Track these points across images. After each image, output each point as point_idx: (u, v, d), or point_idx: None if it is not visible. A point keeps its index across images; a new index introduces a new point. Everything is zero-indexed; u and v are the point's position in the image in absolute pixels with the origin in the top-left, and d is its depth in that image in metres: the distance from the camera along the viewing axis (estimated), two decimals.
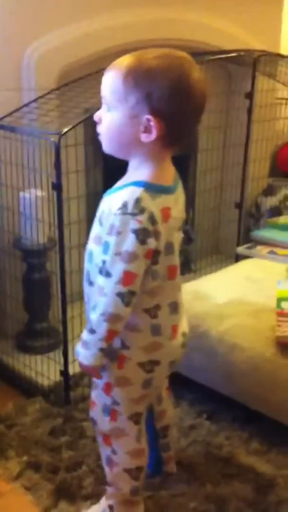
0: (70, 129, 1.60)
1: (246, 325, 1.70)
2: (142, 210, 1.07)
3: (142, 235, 1.08)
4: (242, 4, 2.47)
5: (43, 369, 1.82)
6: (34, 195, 1.80)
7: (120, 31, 2.04)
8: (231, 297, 1.85)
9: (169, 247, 1.17)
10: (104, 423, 1.28)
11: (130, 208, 1.07)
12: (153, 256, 1.12)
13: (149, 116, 1.07)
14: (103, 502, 1.37)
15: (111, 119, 1.11)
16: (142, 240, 1.08)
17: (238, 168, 2.56)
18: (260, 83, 2.48)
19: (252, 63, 2.36)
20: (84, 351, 1.16)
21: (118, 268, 1.09)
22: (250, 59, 2.35)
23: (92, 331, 1.14)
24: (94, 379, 1.26)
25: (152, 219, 1.09)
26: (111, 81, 1.10)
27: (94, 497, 1.42)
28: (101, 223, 1.15)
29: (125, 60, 1.09)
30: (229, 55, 2.28)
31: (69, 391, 1.77)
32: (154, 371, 1.23)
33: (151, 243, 1.09)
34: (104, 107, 1.13)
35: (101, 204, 1.17)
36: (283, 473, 1.51)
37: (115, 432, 1.27)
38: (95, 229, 1.18)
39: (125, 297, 1.10)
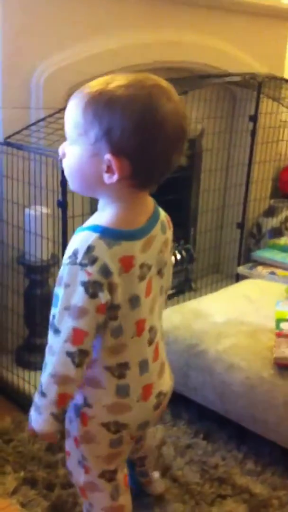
0: None
1: (244, 345, 1.72)
2: (93, 261, 0.96)
3: (92, 288, 0.96)
4: (247, 29, 2.51)
5: None
6: (39, 212, 1.82)
7: (127, 52, 2.08)
8: (230, 316, 1.87)
9: (134, 300, 1.03)
10: (78, 475, 1.19)
11: (80, 257, 0.96)
12: (109, 311, 1.01)
13: (109, 156, 0.94)
14: None
15: (73, 155, 0.99)
16: (92, 294, 0.96)
17: (240, 189, 2.59)
18: (264, 106, 2.51)
19: (256, 86, 2.40)
20: (35, 415, 1.06)
21: (66, 325, 0.98)
22: (255, 82, 2.38)
23: (43, 394, 1.04)
24: (66, 427, 1.17)
25: (105, 271, 0.97)
26: (71, 112, 0.98)
27: None
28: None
29: (87, 88, 0.96)
30: (234, 79, 2.31)
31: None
32: (120, 432, 1.12)
33: (103, 296, 0.97)
34: (68, 140, 1.01)
35: None
36: (278, 494, 1.52)
37: (89, 486, 1.18)
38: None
39: (75, 357, 0.99)
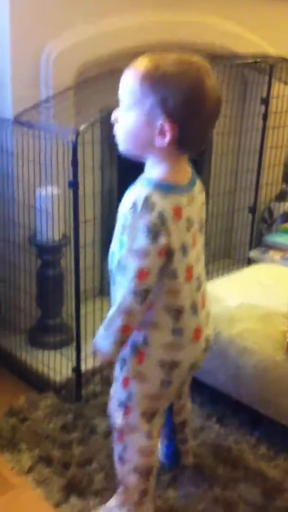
0: (87, 127, 1.61)
1: (257, 329, 1.70)
2: (151, 209, 1.10)
3: (152, 232, 1.10)
4: (259, 11, 2.47)
5: (55, 365, 1.82)
6: (50, 192, 1.80)
7: (138, 31, 2.05)
8: (243, 301, 1.85)
9: (184, 247, 1.17)
10: (118, 417, 1.29)
11: (139, 206, 1.10)
12: (167, 254, 1.14)
13: (163, 120, 1.09)
14: (115, 499, 1.37)
15: (127, 120, 1.14)
16: (153, 238, 1.10)
17: (252, 174, 2.57)
18: (276, 89, 2.48)
19: (268, 69, 2.36)
20: (101, 341, 1.19)
21: (131, 266, 1.11)
22: (266, 65, 2.35)
23: (109, 324, 1.17)
24: (115, 374, 1.28)
25: (161, 218, 1.10)
26: (128, 83, 1.12)
27: (104, 493, 1.43)
28: (118, 222, 1.18)
29: (143, 63, 1.11)
30: (245, 61, 2.28)
31: (80, 388, 1.77)
32: (173, 371, 1.23)
33: (163, 240, 1.11)
34: (121, 108, 1.16)
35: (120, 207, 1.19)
36: None
37: (126, 428, 1.28)
38: (116, 229, 1.20)
39: (139, 295, 1.12)
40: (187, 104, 1.09)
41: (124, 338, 1.18)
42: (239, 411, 1.73)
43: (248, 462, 1.56)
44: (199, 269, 1.25)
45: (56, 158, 1.75)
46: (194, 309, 1.23)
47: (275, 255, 2.41)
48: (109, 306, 1.23)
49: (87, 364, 1.81)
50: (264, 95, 2.43)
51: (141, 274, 1.11)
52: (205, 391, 1.80)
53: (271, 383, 1.60)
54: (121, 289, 1.14)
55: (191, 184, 1.20)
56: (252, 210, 2.56)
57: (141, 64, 1.11)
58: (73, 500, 1.42)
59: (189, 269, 1.20)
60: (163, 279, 1.16)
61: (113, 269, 1.21)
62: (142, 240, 1.10)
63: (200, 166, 2.56)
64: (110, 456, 1.40)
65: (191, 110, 1.09)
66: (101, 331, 1.19)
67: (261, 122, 2.47)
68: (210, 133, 1.18)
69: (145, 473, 1.30)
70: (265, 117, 2.45)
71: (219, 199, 2.61)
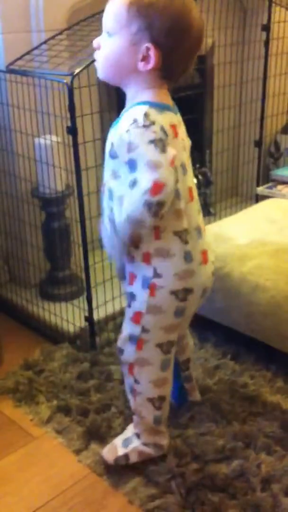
0: (83, 69, 1.55)
1: (269, 265, 1.69)
2: (153, 122, 1.09)
3: (160, 144, 1.09)
4: None
5: (68, 316, 1.84)
6: (49, 141, 1.76)
7: None
8: (253, 238, 1.83)
9: (183, 166, 1.19)
10: (129, 352, 1.30)
11: (141, 122, 1.09)
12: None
13: (149, 45, 1.09)
14: (130, 429, 1.41)
15: (111, 44, 1.13)
16: (162, 149, 1.09)
17: (256, 105, 2.49)
18: (277, 15, 2.38)
19: None
20: (110, 249, 1.21)
21: (146, 178, 1.08)
22: None
23: (117, 232, 1.16)
24: (126, 310, 1.29)
25: (163, 131, 1.10)
26: (115, 8, 1.12)
27: None
28: (113, 156, 1.15)
29: None
30: None
31: (94, 337, 1.79)
32: (187, 299, 1.24)
33: (171, 151, 1.10)
34: (104, 34, 1.15)
35: (109, 137, 1.18)
36: None
37: (139, 361, 1.30)
38: (109, 166, 1.18)
39: (153, 207, 1.08)
40: (173, 31, 1.09)
41: (133, 244, 1.18)
42: (254, 347, 1.74)
43: (265, 396, 1.58)
44: (194, 189, 1.25)
45: (53, 105, 1.70)
46: (199, 231, 1.25)
47: (284, 189, 2.36)
48: (104, 250, 1.23)
49: (100, 313, 1.83)
50: (265, 21, 2.32)
51: (156, 186, 1.07)
52: (218, 330, 1.81)
53: (285, 317, 1.60)
54: (130, 202, 1.10)
55: (175, 108, 1.21)
56: (258, 143, 2.49)
57: None
58: (94, 446, 1.45)
59: (190, 190, 1.22)
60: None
61: (114, 205, 1.17)
62: (152, 152, 1.08)
63: (202, 101, 2.49)
64: (127, 401, 1.42)
65: (176, 37, 1.10)
66: (108, 231, 1.18)
67: (263, 50, 2.37)
68: (191, 65, 1.17)
69: (158, 403, 1.33)
70: (267, 43, 2.35)
71: (223, 135, 2.54)
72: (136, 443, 1.38)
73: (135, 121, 1.09)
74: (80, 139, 1.59)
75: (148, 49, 1.10)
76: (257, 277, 1.67)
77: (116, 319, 1.87)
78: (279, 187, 2.40)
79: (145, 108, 1.11)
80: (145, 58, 1.11)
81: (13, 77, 1.76)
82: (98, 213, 1.90)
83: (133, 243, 1.19)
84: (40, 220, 1.93)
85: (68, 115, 1.56)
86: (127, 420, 1.49)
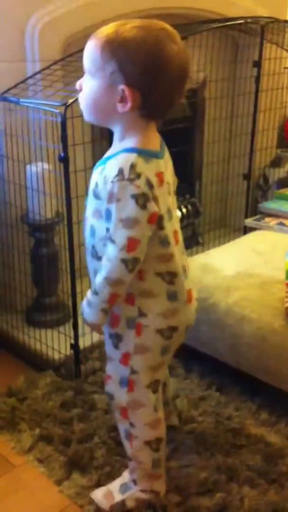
0: (76, 99, 1.57)
1: (254, 297, 1.70)
2: (138, 175, 1.09)
3: (141, 199, 1.09)
4: None
5: (53, 343, 1.83)
6: (41, 168, 1.78)
7: (125, 0, 2.00)
8: (239, 269, 1.85)
9: (169, 212, 1.19)
10: (121, 396, 1.28)
11: (126, 174, 1.09)
12: (157, 221, 1.14)
13: (124, 86, 1.09)
14: (126, 476, 1.38)
15: (92, 86, 1.13)
16: (142, 205, 1.09)
17: (246, 139, 2.53)
18: (268, 52, 2.43)
19: (259, 31, 2.32)
20: (88, 309, 1.20)
21: (121, 235, 1.10)
22: (257, 26, 2.31)
23: (95, 293, 1.17)
24: (109, 354, 1.28)
25: (149, 184, 1.10)
26: (91, 50, 1.12)
27: (106, 468, 1.44)
28: (97, 197, 1.16)
29: (105, 30, 1.11)
30: (236, 22, 2.24)
31: (79, 365, 1.78)
32: (172, 337, 1.25)
33: (152, 207, 1.11)
34: (86, 75, 1.16)
35: (93, 177, 1.19)
36: None
37: (132, 404, 1.28)
38: (92, 203, 1.19)
39: (129, 264, 1.12)
40: (146, 70, 1.08)
41: (112, 306, 1.19)
42: (239, 379, 1.73)
43: (249, 429, 1.57)
44: (179, 231, 1.26)
45: (45, 133, 1.72)
46: (185, 271, 1.26)
47: (272, 222, 2.39)
48: (89, 281, 1.25)
49: (85, 341, 1.82)
50: (256, 57, 2.38)
51: (131, 243, 1.10)
52: (204, 362, 1.81)
53: (270, 350, 1.60)
54: (107, 262, 1.13)
55: (162, 149, 1.21)
56: (247, 176, 2.53)
57: (102, 31, 1.11)
58: (75, 476, 1.43)
59: (175, 234, 1.23)
60: (154, 245, 1.16)
61: (96, 243, 1.20)
62: (131, 208, 1.09)
63: (193, 134, 2.53)
64: (110, 431, 1.42)
65: (152, 76, 1.09)
66: (88, 298, 1.19)
67: (253, 85, 2.43)
68: (177, 100, 1.15)
69: (156, 445, 1.31)
70: (257, 79, 2.41)
71: (213, 168, 2.58)
72: (133, 489, 1.35)
73: (120, 172, 1.09)
74: (71, 168, 1.61)
75: (123, 90, 1.09)
76: (242, 308, 1.67)
77: (101, 347, 1.85)
78: (267, 219, 2.43)
79: (132, 157, 1.10)
80: (122, 100, 1.10)
81: (6, 105, 1.79)
82: None
83: (111, 305, 1.18)
84: (28, 246, 1.94)
85: (61, 144, 1.58)
86: (110, 450, 1.48)
